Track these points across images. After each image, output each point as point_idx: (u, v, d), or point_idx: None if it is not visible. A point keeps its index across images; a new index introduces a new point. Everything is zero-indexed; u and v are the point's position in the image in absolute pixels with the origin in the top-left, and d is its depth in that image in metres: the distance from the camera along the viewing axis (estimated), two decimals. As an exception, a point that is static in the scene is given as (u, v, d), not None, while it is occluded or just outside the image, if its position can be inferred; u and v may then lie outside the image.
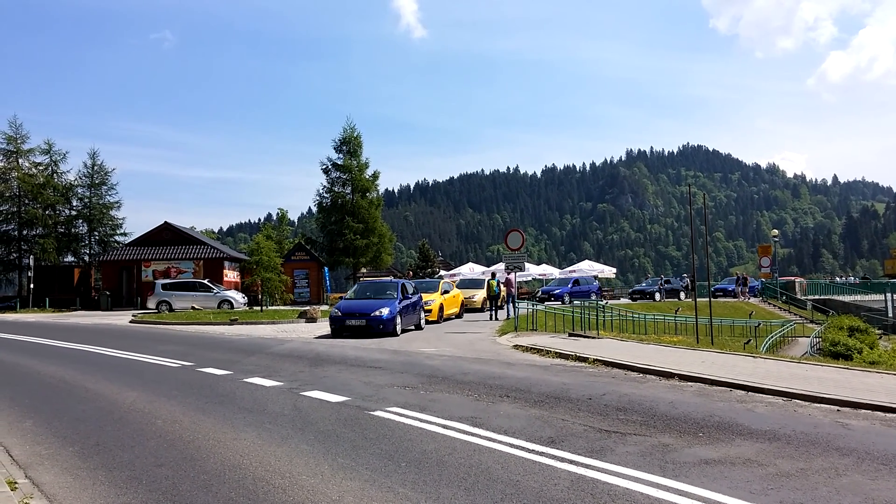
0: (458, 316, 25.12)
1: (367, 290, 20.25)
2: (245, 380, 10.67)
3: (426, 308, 21.87)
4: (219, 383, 10.49)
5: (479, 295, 28.43)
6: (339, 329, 18.33)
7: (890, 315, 40.59)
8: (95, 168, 45.69)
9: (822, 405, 8.39)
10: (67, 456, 6.44)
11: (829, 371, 11.10)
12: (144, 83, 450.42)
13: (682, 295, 38.86)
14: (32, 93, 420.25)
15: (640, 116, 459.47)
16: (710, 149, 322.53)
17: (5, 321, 27.93)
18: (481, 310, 27.63)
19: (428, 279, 30.39)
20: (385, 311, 18.09)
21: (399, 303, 18.83)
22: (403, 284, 20.24)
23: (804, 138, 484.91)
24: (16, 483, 5.50)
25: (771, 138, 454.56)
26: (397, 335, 18.14)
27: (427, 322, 21.67)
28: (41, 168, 44.97)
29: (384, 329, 17.93)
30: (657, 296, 35.74)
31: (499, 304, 25.75)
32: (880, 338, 29.93)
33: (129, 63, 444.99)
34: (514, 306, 22.63)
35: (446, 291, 24.53)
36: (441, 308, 22.97)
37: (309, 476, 5.56)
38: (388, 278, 25.13)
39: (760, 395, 9.12)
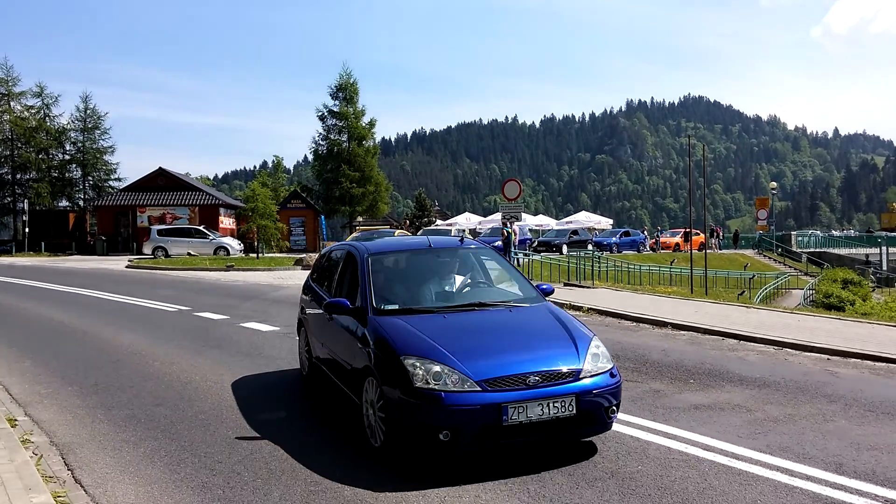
0: None
1: None
2: (241, 324, 10.74)
3: None
4: (215, 327, 10.57)
5: None
6: None
7: (884, 268, 40.89)
8: (88, 112, 45.02)
9: (813, 354, 8.49)
10: (66, 395, 6.51)
11: (821, 321, 11.20)
12: (139, 25, 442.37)
13: (589, 247, 35.75)
14: (23, 35, 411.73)
15: (642, 67, 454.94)
16: (712, 100, 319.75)
17: (1, 264, 27.93)
18: None
19: (382, 229, 28.38)
20: None
21: None
22: None
23: (807, 90, 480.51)
24: (16, 420, 5.56)
25: (773, 89, 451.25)
26: None
27: None
28: (33, 111, 44.31)
29: None
30: (564, 248, 34.43)
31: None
32: (873, 290, 30.16)
33: (122, 4, 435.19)
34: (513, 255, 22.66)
35: None
36: None
37: (305, 417, 5.66)
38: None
39: (752, 343, 9.22)
